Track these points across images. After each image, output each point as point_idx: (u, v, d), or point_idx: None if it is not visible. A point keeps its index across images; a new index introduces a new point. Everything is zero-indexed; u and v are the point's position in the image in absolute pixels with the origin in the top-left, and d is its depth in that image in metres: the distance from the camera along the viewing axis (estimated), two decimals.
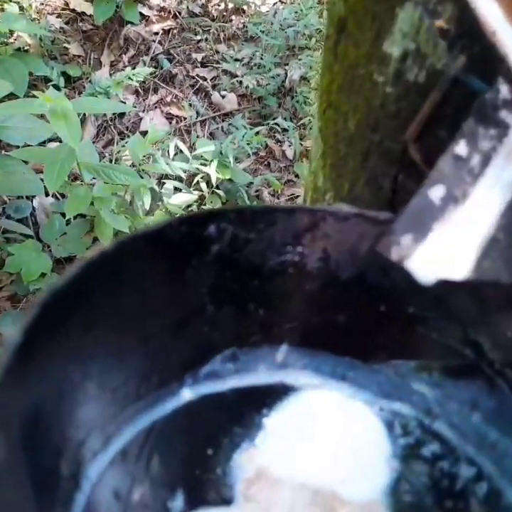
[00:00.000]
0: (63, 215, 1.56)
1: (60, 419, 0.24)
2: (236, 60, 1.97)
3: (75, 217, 1.53)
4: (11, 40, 1.97)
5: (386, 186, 0.34)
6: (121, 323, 0.27)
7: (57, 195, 1.67)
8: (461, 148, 0.25)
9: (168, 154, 1.52)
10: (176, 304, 0.29)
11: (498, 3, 0.25)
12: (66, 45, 2.06)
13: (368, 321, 0.31)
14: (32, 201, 1.64)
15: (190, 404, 0.31)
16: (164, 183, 1.54)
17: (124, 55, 2.04)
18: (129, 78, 1.71)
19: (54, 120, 1.14)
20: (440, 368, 0.31)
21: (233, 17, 2.13)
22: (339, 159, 0.39)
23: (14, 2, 2.05)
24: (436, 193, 0.25)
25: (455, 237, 0.25)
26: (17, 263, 1.42)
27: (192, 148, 1.63)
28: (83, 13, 2.14)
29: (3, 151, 1.66)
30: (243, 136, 1.67)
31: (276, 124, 1.78)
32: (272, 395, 0.32)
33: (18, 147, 1.49)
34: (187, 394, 0.31)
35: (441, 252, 0.25)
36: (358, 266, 0.27)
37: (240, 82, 1.87)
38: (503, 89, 0.25)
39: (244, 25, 2.08)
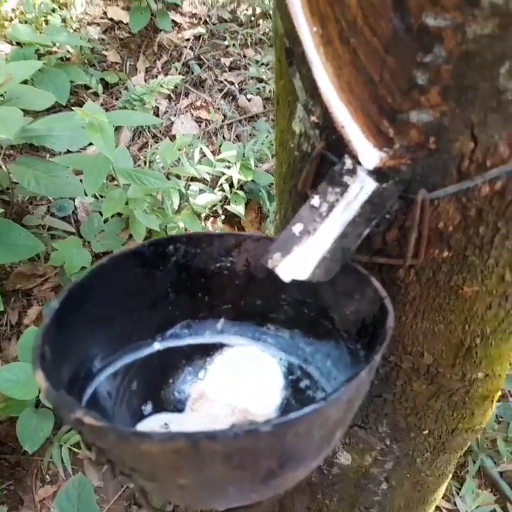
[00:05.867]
0: (102, 213, 1.72)
1: (79, 350, 0.40)
2: (262, 64, 2.08)
3: (112, 216, 1.69)
4: (55, 49, 2.13)
5: None
6: (115, 304, 0.43)
7: (97, 194, 1.83)
8: (315, 201, 0.38)
9: (194, 159, 1.65)
10: (149, 293, 0.45)
11: (346, 107, 0.37)
12: (105, 52, 2.21)
13: (274, 303, 0.47)
14: (74, 200, 1.80)
15: (159, 352, 0.47)
16: (190, 185, 1.67)
17: (158, 61, 2.18)
18: (161, 86, 1.85)
19: (91, 132, 1.28)
20: (313, 333, 0.46)
21: (260, 22, 2.24)
22: (281, 192, 0.53)
23: (57, 14, 2.21)
24: (296, 228, 0.39)
25: (303, 255, 0.38)
26: (60, 258, 1.58)
27: (218, 151, 1.76)
28: (120, 21, 2.29)
29: (48, 157, 1.83)
30: (265, 138, 1.78)
31: None
32: (213, 349, 0.49)
33: (61, 153, 1.65)
34: (157, 346, 0.47)
35: (294, 263, 0.39)
36: (267, 269, 0.40)
37: (264, 87, 1.98)
38: (347, 162, 0.37)
39: (270, 31, 2.18)
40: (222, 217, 1.74)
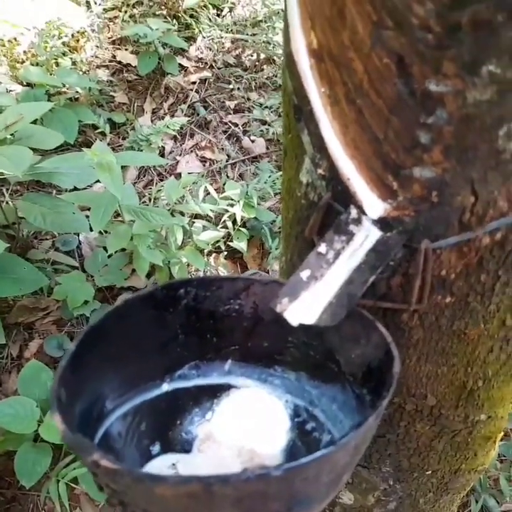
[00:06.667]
0: (105, 248, 1.74)
1: (92, 390, 0.41)
2: (265, 107, 2.15)
3: (115, 251, 1.71)
4: (64, 89, 2.19)
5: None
6: (128, 345, 0.44)
7: (101, 230, 1.86)
8: (322, 248, 0.40)
9: (199, 196, 1.68)
10: (160, 335, 0.46)
11: (351, 162, 0.39)
12: (113, 93, 2.28)
13: (280, 346, 0.48)
14: (78, 236, 1.83)
15: (167, 393, 0.48)
16: (194, 222, 1.70)
17: (164, 103, 2.24)
18: (167, 127, 1.90)
19: (100, 171, 1.32)
20: (319, 376, 0.47)
21: (264, 67, 2.32)
22: (287, 236, 0.55)
23: (68, 57, 2.28)
24: (304, 274, 0.40)
25: (311, 300, 0.40)
26: (63, 291, 1.59)
27: (222, 189, 1.80)
28: (128, 64, 2.36)
29: (54, 193, 1.86)
30: (268, 178, 1.82)
31: None
32: (220, 390, 0.49)
33: (67, 189, 1.69)
34: (165, 387, 0.48)
35: (302, 308, 0.40)
36: (274, 312, 0.42)
37: (268, 129, 2.04)
38: (353, 211, 0.40)
39: (273, 75, 2.26)
40: (225, 253, 1.77)
